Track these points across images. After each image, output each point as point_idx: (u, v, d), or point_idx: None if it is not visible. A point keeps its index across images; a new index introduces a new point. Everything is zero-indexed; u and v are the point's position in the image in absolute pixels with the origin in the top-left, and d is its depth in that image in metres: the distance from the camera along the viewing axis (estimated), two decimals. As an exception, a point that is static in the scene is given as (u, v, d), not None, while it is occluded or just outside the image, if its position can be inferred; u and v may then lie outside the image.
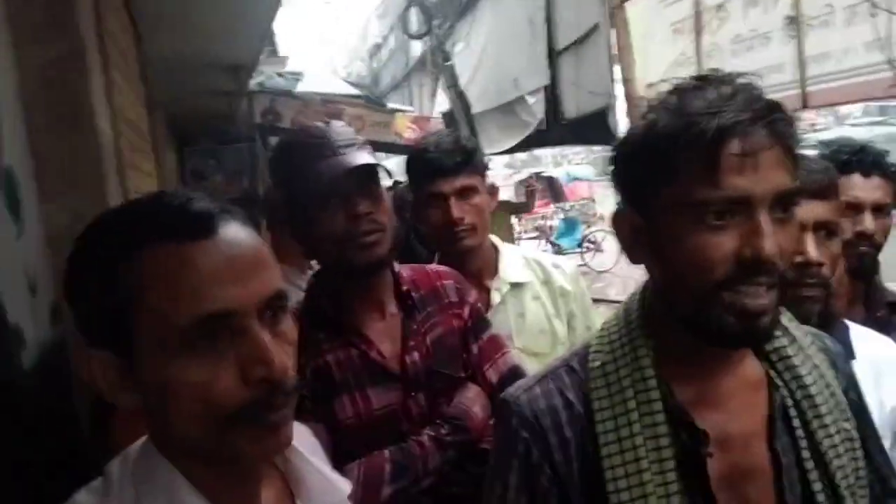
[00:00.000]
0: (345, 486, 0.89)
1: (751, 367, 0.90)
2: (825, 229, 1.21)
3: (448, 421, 1.29)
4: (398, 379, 1.30)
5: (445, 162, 1.64)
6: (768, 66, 4.44)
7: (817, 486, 0.86)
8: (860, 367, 1.19)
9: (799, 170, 0.81)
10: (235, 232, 0.71)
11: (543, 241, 14.08)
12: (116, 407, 1.05)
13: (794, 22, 4.23)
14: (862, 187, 1.64)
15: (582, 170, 19.65)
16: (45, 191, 1.57)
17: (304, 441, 0.88)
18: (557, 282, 1.82)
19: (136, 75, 3.11)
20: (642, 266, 0.90)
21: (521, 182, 18.29)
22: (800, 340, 0.93)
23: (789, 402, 0.89)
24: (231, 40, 4.05)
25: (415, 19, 9.74)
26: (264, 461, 0.79)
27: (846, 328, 1.34)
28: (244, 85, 5.54)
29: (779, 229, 0.77)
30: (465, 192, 1.67)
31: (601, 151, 16.85)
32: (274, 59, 8.97)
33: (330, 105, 8.66)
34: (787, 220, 0.79)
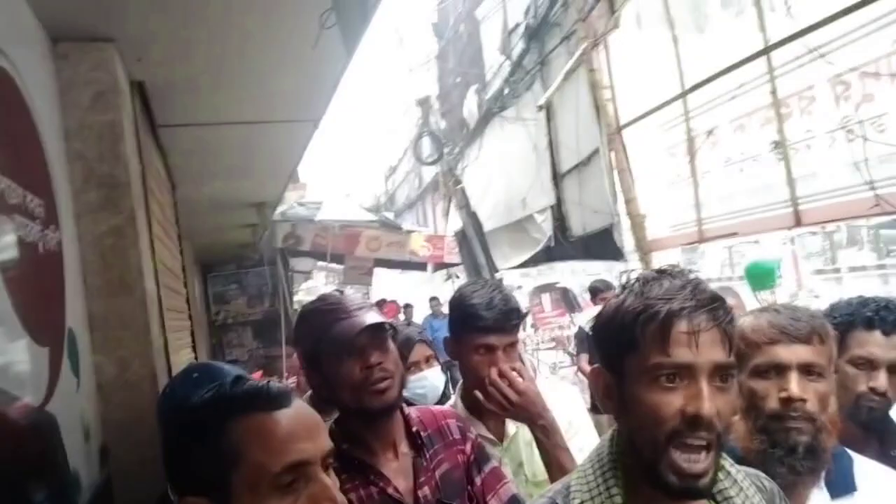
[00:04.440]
0: None
1: None
2: (809, 371, 1.31)
3: None
4: None
5: (502, 322, 1.82)
6: (759, 186, 4.70)
7: None
8: (862, 499, 1.30)
9: (734, 348, 1.00)
10: (302, 404, 0.97)
11: (560, 351, 14.02)
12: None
13: (780, 145, 4.51)
14: (880, 345, 1.68)
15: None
16: (95, 344, 1.78)
17: None
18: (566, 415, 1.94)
19: (171, 221, 3.40)
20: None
21: (533, 293, 18.38)
22: (740, 482, 1.09)
23: None
24: (258, 181, 4.37)
25: (426, 147, 10.31)
26: None
27: (850, 460, 1.41)
28: (268, 218, 5.88)
29: (717, 395, 0.96)
30: (511, 347, 1.85)
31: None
32: (295, 186, 9.47)
33: (348, 229, 9.10)
34: (725, 389, 0.97)
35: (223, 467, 0.89)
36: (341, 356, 1.46)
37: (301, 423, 0.93)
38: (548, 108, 7.35)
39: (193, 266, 6.17)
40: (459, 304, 1.87)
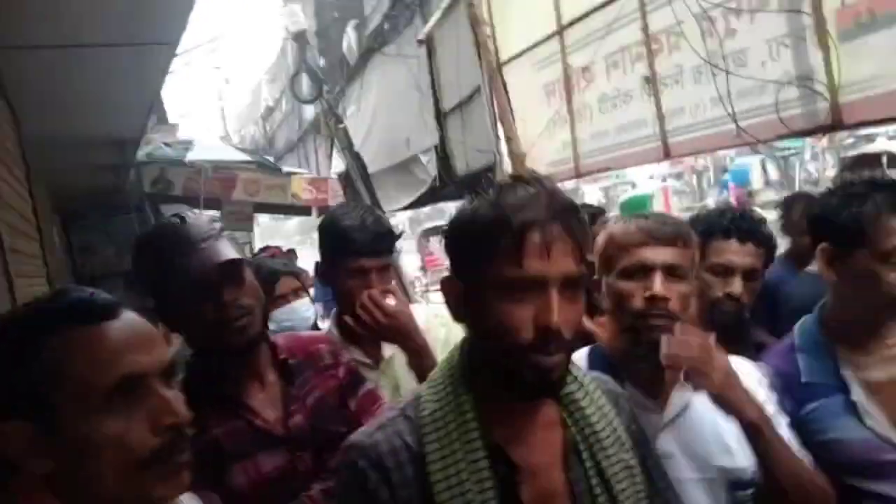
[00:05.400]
0: None
1: (548, 409, 1.09)
2: (672, 272, 1.37)
3: (335, 473, 1.38)
4: (284, 442, 1.40)
5: (374, 244, 1.78)
6: (632, 122, 4.86)
7: None
8: None
9: (585, 259, 1.01)
10: (134, 316, 0.88)
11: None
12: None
13: (651, 81, 4.66)
14: (736, 252, 1.80)
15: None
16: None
17: None
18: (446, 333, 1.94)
19: (16, 159, 3.06)
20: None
21: (422, 236, 18.55)
22: (586, 386, 1.12)
23: (579, 438, 1.08)
24: (115, 116, 4.04)
25: (305, 84, 9.92)
26: (172, 499, 0.90)
27: None
28: (131, 158, 5.48)
29: (567, 306, 0.97)
30: (384, 270, 1.81)
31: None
32: (163, 128, 8.87)
33: (223, 171, 8.63)
34: (574, 298, 0.99)
35: (44, 387, 0.80)
36: (192, 296, 1.34)
37: (132, 334, 0.86)
38: (429, 45, 7.22)
39: (51, 213, 5.67)
40: (330, 226, 1.81)
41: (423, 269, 15.74)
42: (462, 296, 1.04)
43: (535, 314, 0.96)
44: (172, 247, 1.37)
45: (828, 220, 1.53)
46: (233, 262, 1.39)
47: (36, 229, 3.36)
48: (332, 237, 1.80)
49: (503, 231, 0.96)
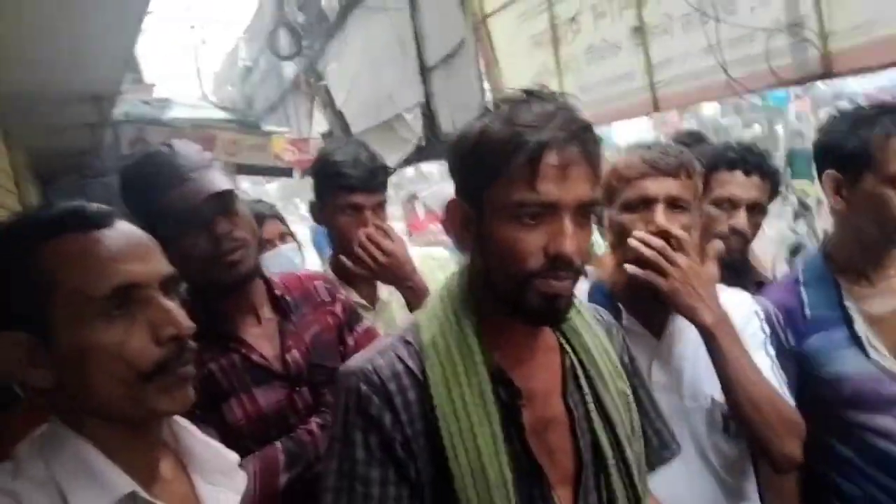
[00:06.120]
0: (233, 455, 0.98)
1: (548, 336, 1.08)
2: (675, 204, 1.36)
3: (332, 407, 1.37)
4: (281, 377, 1.38)
5: (368, 179, 1.73)
6: (620, 74, 4.80)
7: (601, 435, 1.05)
8: None
9: (598, 183, 0.98)
10: (128, 225, 0.86)
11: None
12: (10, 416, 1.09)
13: (639, 31, 4.59)
14: (741, 185, 1.78)
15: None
16: None
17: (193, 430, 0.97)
18: (440, 270, 1.93)
19: (-12, 112, 2.96)
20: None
21: (407, 201, 18.44)
22: (584, 314, 1.11)
23: (577, 364, 1.07)
24: (88, 70, 3.90)
25: (284, 40, 9.68)
26: (177, 413, 0.89)
27: None
28: (107, 115, 5.33)
29: (579, 232, 0.93)
30: (379, 208, 1.77)
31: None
32: (140, 87, 8.66)
33: (201, 131, 8.45)
34: (585, 224, 0.96)
35: (37, 297, 0.78)
36: (183, 228, 1.30)
37: (128, 243, 0.83)
38: (412, -3, 7.06)
39: (27, 174, 5.53)
40: (323, 163, 1.77)
41: (409, 234, 15.66)
42: (467, 220, 1.00)
43: (546, 240, 0.92)
44: (161, 177, 1.32)
45: (834, 146, 1.51)
46: (226, 192, 1.34)
47: (14, 184, 3.27)
48: (325, 174, 1.76)
49: (517, 151, 0.91)
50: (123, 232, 0.85)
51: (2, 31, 2.86)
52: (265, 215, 2.32)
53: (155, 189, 1.31)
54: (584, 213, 0.95)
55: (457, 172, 1.02)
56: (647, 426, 1.16)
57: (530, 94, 0.97)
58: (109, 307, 0.79)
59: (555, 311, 0.97)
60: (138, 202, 1.34)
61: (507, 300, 0.98)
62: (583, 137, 0.93)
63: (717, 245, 1.39)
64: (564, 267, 0.93)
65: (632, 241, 1.32)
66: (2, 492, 0.76)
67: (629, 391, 1.12)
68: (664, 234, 1.32)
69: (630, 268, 1.33)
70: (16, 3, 2.58)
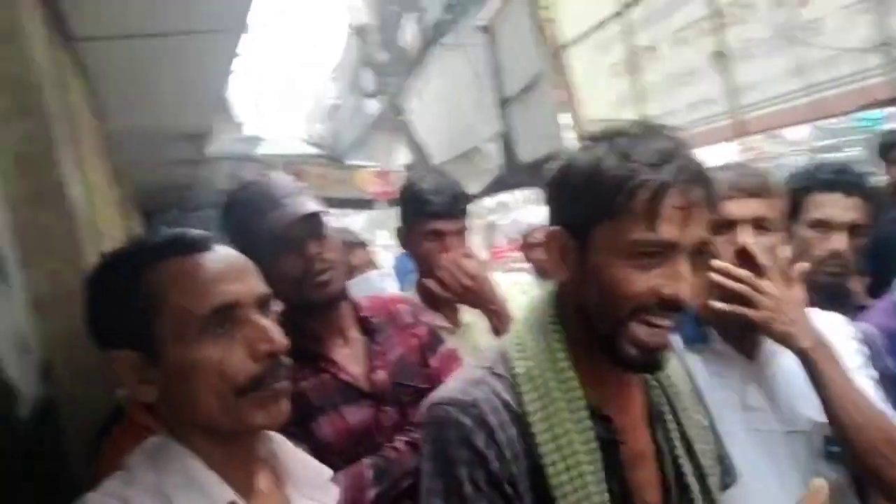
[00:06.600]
0: (327, 470, 1.02)
1: None
2: (760, 224, 1.31)
3: (418, 426, 1.41)
4: (369, 396, 1.42)
5: (450, 206, 1.80)
6: (701, 100, 4.73)
7: (687, 469, 1.02)
8: None
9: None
10: (226, 248, 0.92)
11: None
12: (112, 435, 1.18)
13: (721, 56, 4.52)
14: (840, 205, 1.66)
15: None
16: (25, 258, 1.68)
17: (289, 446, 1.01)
18: (524, 296, 1.95)
19: (101, 152, 3.23)
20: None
21: (487, 229, 18.50)
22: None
23: (662, 398, 1.05)
24: (184, 109, 4.17)
25: (367, 79, 10.05)
26: (272, 428, 0.93)
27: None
28: (203, 152, 5.67)
29: (693, 274, 0.90)
30: (460, 234, 1.84)
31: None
32: (230, 126, 9.14)
33: (291, 166, 8.85)
34: (699, 265, 0.92)
35: (145, 317, 0.84)
36: (276, 250, 1.37)
37: (227, 265, 0.89)
38: (489, 32, 7.21)
39: (133, 211, 5.94)
40: (408, 191, 1.84)
41: (490, 262, 15.69)
42: (568, 252, 0.95)
43: (660, 283, 0.88)
44: (257, 203, 1.40)
45: None
46: (316, 214, 1.41)
47: (122, 219, 3.53)
48: (410, 201, 1.83)
49: (637, 190, 0.87)
50: (222, 255, 0.90)
51: (111, 77, 3.13)
52: (354, 243, 2.41)
53: (252, 213, 1.39)
54: (699, 254, 0.91)
55: (561, 203, 0.97)
56: (719, 455, 1.13)
57: (645, 129, 0.93)
58: (211, 325, 0.84)
59: (650, 364, 0.94)
60: (237, 227, 1.43)
61: (600, 340, 0.94)
62: (704, 178, 0.90)
63: (803, 266, 1.33)
64: (675, 310, 0.89)
65: (714, 277, 1.26)
66: (117, 497, 0.82)
67: (707, 422, 1.09)
68: (748, 259, 1.28)
69: (717, 305, 1.28)
70: (121, 48, 2.83)
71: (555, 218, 0.98)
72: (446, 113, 8.79)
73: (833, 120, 4.61)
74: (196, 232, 0.90)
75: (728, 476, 1.17)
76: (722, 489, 1.14)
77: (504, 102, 7.40)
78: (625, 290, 0.89)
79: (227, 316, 0.85)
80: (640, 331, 0.90)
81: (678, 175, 0.87)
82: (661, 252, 0.88)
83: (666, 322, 0.90)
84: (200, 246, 0.89)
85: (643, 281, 0.88)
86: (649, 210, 0.86)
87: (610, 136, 0.93)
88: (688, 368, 1.17)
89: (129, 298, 0.85)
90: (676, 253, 0.88)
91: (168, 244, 0.88)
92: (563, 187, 0.96)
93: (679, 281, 0.88)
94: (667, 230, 0.87)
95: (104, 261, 0.91)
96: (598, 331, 0.94)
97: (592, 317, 0.95)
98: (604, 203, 0.89)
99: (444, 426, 0.95)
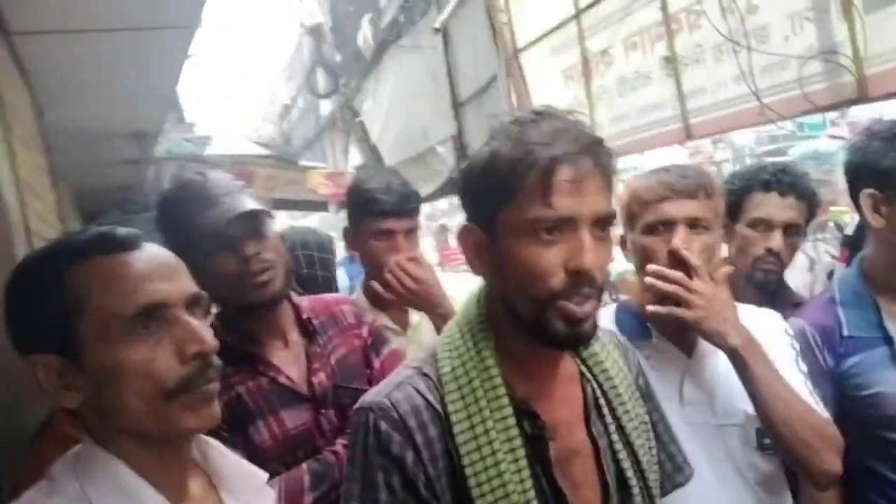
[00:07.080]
0: (262, 474, 0.98)
1: (568, 363, 1.05)
2: (695, 225, 1.35)
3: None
4: (308, 399, 1.39)
5: (400, 205, 1.76)
6: (652, 104, 4.80)
7: (626, 464, 1.02)
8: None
9: (613, 195, 0.95)
10: (155, 247, 0.88)
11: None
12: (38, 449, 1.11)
13: (671, 62, 4.60)
14: (776, 206, 1.74)
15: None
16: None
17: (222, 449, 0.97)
18: None
19: (39, 149, 3.08)
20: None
21: (439, 232, 18.57)
22: (602, 339, 1.08)
23: (598, 393, 1.04)
24: (133, 107, 4.04)
25: (321, 80, 9.93)
26: (203, 431, 0.89)
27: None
28: (149, 153, 5.49)
29: (598, 246, 0.90)
30: (410, 233, 1.80)
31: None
32: (181, 126, 8.92)
33: (240, 167, 8.66)
34: (604, 238, 0.92)
35: (66, 318, 0.80)
36: (213, 249, 1.32)
37: (154, 264, 0.85)
38: (444, 34, 7.20)
39: (73, 212, 5.72)
40: (356, 190, 1.81)
41: (441, 264, 15.75)
42: (480, 245, 0.96)
43: (565, 257, 0.88)
44: (193, 202, 1.35)
45: (871, 164, 1.49)
46: (254, 213, 1.36)
47: (58, 219, 3.38)
48: (358, 200, 1.79)
49: (529, 168, 0.88)
50: (150, 253, 0.87)
51: (50, 71, 2.99)
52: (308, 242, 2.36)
53: (187, 212, 1.35)
54: (601, 227, 0.91)
55: (468, 198, 0.99)
56: (660, 451, 1.13)
57: (538, 114, 0.94)
58: (136, 326, 0.80)
59: (580, 335, 0.92)
60: (172, 226, 1.37)
61: (528, 324, 0.93)
62: (595, 150, 0.91)
63: (727, 269, 1.38)
64: (587, 283, 0.89)
65: (647, 280, 1.31)
66: None
67: (647, 417, 1.10)
68: (681, 260, 1.31)
69: (652, 308, 1.32)
70: (63, 44, 2.70)
71: (467, 216, 0.99)
72: (401, 115, 8.75)
73: (777, 125, 4.72)
74: (123, 230, 0.86)
75: (679, 473, 1.16)
76: (672, 487, 1.14)
77: (459, 105, 7.39)
78: (533, 268, 0.89)
79: (153, 316, 0.82)
80: (563, 305, 0.90)
81: (567, 148, 0.88)
82: (561, 227, 0.89)
83: (587, 291, 0.90)
84: (127, 245, 0.85)
85: (549, 258, 0.89)
86: (542, 186, 0.88)
87: (506, 127, 0.94)
88: (637, 361, 1.18)
89: (50, 300, 0.81)
90: (577, 226, 0.89)
91: (92, 243, 0.84)
92: (466, 183, 0.98)
93: (583, 252, 0.88)
94: (562, 204, 0.88)
95: (24, 262, 0.86)
96: (524, 318, 0.93)
97: (515, 304, 0.94)
98: (500, 188, 0.90)
99: (363, 431, 0.96)
